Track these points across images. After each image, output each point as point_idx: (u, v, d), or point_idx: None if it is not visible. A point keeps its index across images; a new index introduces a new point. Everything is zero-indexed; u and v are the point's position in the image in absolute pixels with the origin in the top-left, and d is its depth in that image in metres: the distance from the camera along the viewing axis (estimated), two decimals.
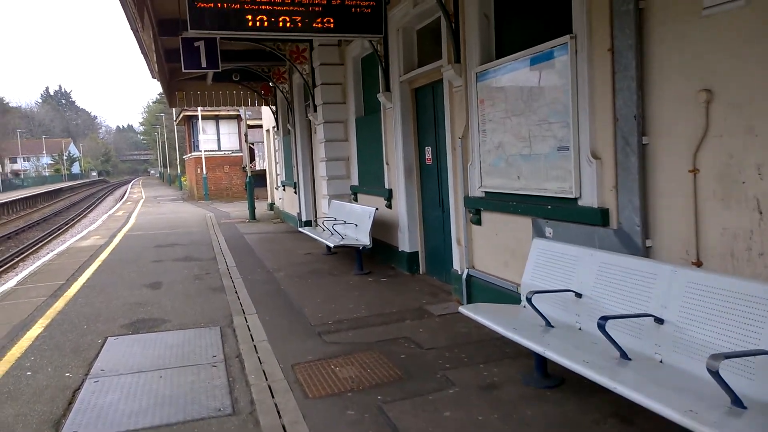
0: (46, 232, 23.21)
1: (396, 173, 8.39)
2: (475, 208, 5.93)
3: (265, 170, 25.34)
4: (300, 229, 10.93)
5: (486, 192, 5.74)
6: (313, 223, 13.43)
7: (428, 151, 7.82)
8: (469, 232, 6.15)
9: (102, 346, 5.53)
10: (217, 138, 30.73)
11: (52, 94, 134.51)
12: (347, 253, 9.68)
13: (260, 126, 22.63)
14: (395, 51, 8.17)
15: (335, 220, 9.87)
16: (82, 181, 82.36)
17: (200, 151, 29.83)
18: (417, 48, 8.03)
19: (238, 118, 30.28)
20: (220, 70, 9.43)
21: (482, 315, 3.96)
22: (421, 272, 8.22)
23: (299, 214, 13.76)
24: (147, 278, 8.81)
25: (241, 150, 30.53)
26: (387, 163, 8.76)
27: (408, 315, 6.19)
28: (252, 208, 17.14)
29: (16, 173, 75.10)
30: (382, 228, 8.82)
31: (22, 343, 5.68)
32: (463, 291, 6.23)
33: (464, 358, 4.74)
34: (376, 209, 8.36)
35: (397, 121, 8.23)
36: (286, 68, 13.52)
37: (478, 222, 5.92)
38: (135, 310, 6.85)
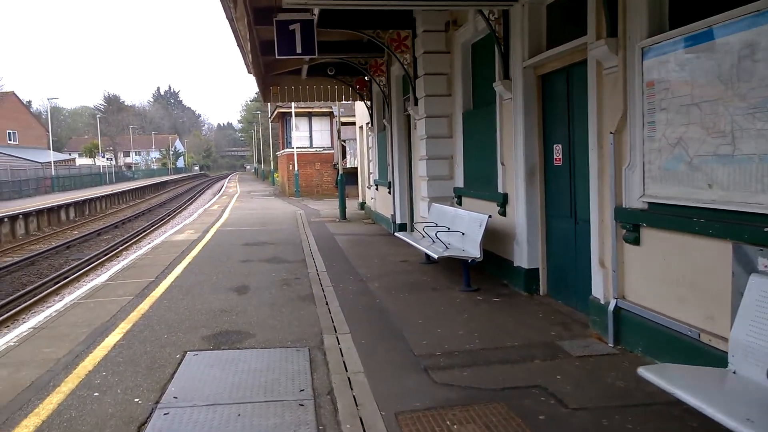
0: (149, 223, 24.11)
1: (513, 175, 7.18)
2: (632, 223, 4.62)
3: (356, 168, 24.80)
4: (396, 234, 9.98)
5: (651, 203, 4.43)
6: (408, 227, 12.46)
7: (557, 149, 6.54)
8: (619, 253, 4.85)
9: (179, 364, 4.83)
10: (309, 135, 30.73)
11: (162, 93, 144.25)
12: (449, 263, 8.57)
13: (353, 123, 22.06)
14: (518, 31, 6.96)
15: (436, 225, 8.81)
16: (185, 175, 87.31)
17: (292, 148, 29.93)
18: (546, 26, 6.76)
19: (330, 115, 30.08)
20: (316, 55, 8.67)
21: (681, 387, 2.72)
22: (541, 293, 6.96)
23: (393, 216, 12.84)
24: (234, 280, 8.21)
25: (332, 147, 30.30)
26: (502, 164, 7.56)
27: (536, 352, 4.99)
28: (343, 208, 16.49)
29: (128, 166, 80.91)
30: (492, 238, 7.64)
31: (98, 352, 5.11)
32: (609, 326, 4.93)
33: (631, 430, 3.50)
34: (489, 217, 7.19)
35: (517, 114, 7.02)
36: (384, 60, 12.65)
37: (636, 241, 4.61)
38: (218, 319, 6.17)
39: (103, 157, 71.71)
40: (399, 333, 5.70)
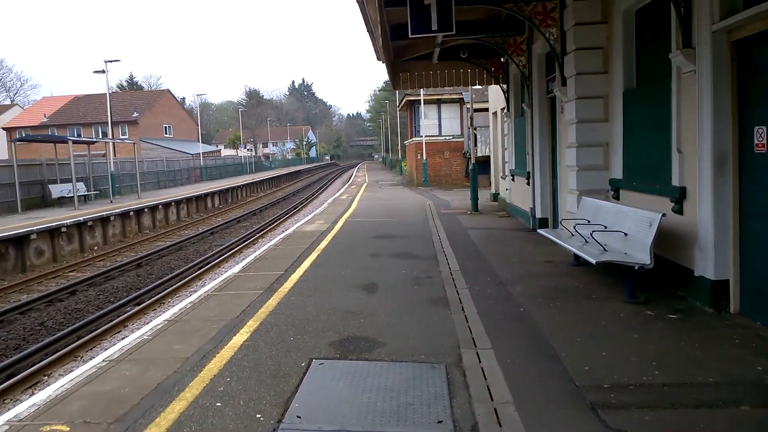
0: (283, 211, 25.08)
1: (697, 165, 5.85)
2: None
3: (487, 157, 23.64)
4: (539, 230, 8.92)
5: None
6: (550, 222, 11.28)
7: (760, 133, 5.15)
8: None
9: (304, 374, 4.39)
10: (438, 123, 30.01)
11: (296, 87, 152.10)
12: (605, 267, 7.39)
13: (485, 109, 20.93)
14: None
15: (588, 223, 7.65)
16: (316, 164, 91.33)
17: (421, 137, 29.43)
18: None
19: (460, 101, 29.10)
20: (453, 31, 7.84)
21: None
22: (731, 311, 5.61)
23: (532, 209, 11.71)
24: (362, 277, 7.77)
25: (462, 135, 29.32)
26: (679, 151, 6.24)
27: (740, 394, 3.85)
28: (475, 199, 15.58)
29: (266, 156, 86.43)
30: (662, 240, 6.33)
31: (224, 353, 4.85)
32: None
33: None
34: (663, 215, 5.94)
35: (703, 90, 5.68)
36: (525, 37, 11.49)
37: None
38: (346, 322, 5.70)
39: (245, 148, 77.24)
40: (552, 353, 4.80)
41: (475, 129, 23.77)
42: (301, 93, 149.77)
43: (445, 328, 5.54)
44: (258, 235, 17.82)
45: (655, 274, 6.45)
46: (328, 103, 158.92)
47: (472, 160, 16.21)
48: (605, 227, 7.17)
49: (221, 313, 6.04)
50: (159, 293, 10.26)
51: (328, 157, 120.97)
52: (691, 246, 6.01)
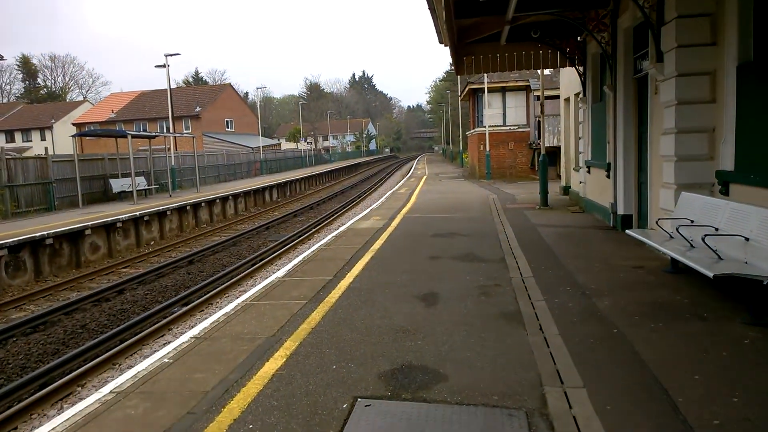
0: (340, 205, 24.48)
1: None
2: None
3: (556, 147, 22.05)
4: (627, 231, 7.65)
5: None
6: (635, 220, 9.90)
7: None
8: None
9: (346, 420, 3.50)
10: (502, 112, 28.46)
11: (357, 79, 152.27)
12: (704, 279, 6.07)
13: (556, 96, 19.37)
14: None
15: (691, 223, 6.37)
16: (376, 157, 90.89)
17: (484, 127, 28.01)
18: None
19: (526, 89, 27.43)
20: None
21: None
22: None
23: (613, 205, 10.35)
24: (419, 285, 6.82)
25: (527, 125, 27.69)
26: None
27: None
28: (545, 193, 14.25)
29: (326, 149, 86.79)
30: None
31: (251, 387, 4.03)
32: None
33: None
34: None
35: None
36: (609, 9, 10.10)
37: None
38: (400, 344, 4.78)
39: (305, 141, 77.71)
40: (665, 396, 3.70)
41: (544, 117, 22.24)
42: (362, 85, 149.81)
43: (522, 355, 4.52)
44: (314, 230, 17.23)
45: None
46: (388, 95, 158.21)
47: (542, 151, 14.85)
48: (716, 229, 5.89)
49: (257, 329, 5.25)
50: (206, 293, 9.74)
51: (387, 150, 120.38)
52: None
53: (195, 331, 5.17)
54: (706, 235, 5.43)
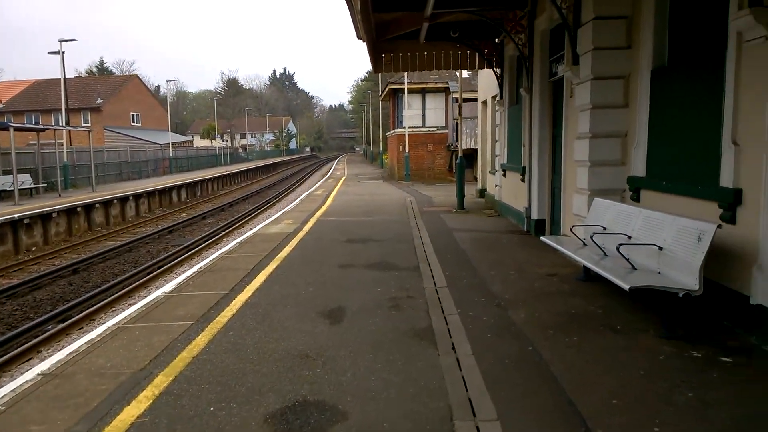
0: (255, 206, 23.36)
1: (762, 163, 4.41)
2: None
3: (473, 150, 22.21)
4: (542, 238, 7.44)
5: None
6: (548, 225, 9.84)
7: None
8: None
9: None
10: (422, 113, 28.43)
11: (278, 76, 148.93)
12: (616, 288, 5.90)
13: (473, 100, 19.42)
14: None
15: (604, 230, 6.21)
16: (296, 156, 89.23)
17: (403, 128, 27.85)
18: None
19: (446, 91, 27.57)
20: None
21: None
22: None
23: (527, 209, 10.26)
24: (326, 298, 6.21)
25: (446, 127, 27.85)
26: (735, 143, 4.79)
27: None
28: (461, 196, 14.09)
29: (243, 147, 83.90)
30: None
31: None
32: None
33: None
34: (719, 227, 4.48)
35: None
36: (526, 11, 9.97)
37: None
38: (296, 374, 4.14)
39: (221, 138, 74.66)
40: (585, 428, 3.32)
41: (462, 119, 22.36)
42: (283, 83, 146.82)
43: (432, 381, 4.03)
44: (223, 233, 16.15)
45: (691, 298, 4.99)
46: (310, 94, 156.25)
47: (459, 153, 14.70)
48: (629, 237, 5.73)
49: (124, 360, 4.40)
50: (87, 309, 8.58)
51: (308, 149, 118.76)
52: (746, 266, 4.58)
53: (44, 366, 4.24)
54: (620, 244, 5.21)
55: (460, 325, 5.30)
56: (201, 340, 4.79)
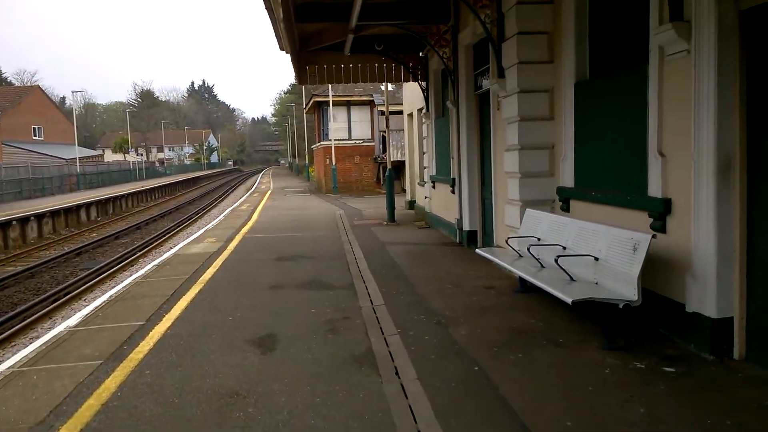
0: (174, 223, 22.16)
1: (690, 171, 4.51)
2: None
3: (401, 161, 22.27)
4: (477, 251, 7.36)
5: None
6: (479, 236, 9.86)
7: None
8: None
9: None
10: (348, 126, 28.26)
11: (196, 88, 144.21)
12: (553, 299, 5.88)
13: (400, 112, 19.45)
14: None
15: (538, 241, 6.21)
16: (218, 170, 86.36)
17: (329, 140, 27.55)
18: None
19: (371, 104, 27.58)
20: None
21: None
22: (736, 357, 4.33)
23: (458, 221, 10.24)
24: (256, 324, 5.77)
25: (372, 139, 27.83)
26: (660, 154, 4.89)
27: None
28: (391, 208, 13.96)
29: (161, 161, 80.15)
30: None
31: None
32: None
33: None
34: (653, 236, 4.52)
35: (702, 75, 4.36)
36: (449, 25, 10.02)
37: None
38: (225, 416, 3.71)
39: (136, 152, 70.84)
40: None
41: (389, 131, 22.36)
42: (202, 95, 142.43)
43: (378, 414, 3.74)
44: (140, 253, 15.09)
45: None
46: (231, 106, 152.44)
47: (388, 166, 14.59)
48: (564, 248, 5.73)
49: (19, 412, 3.76)
50: None
51: (231, 163, 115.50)
52: (680, 274, 4.66)
53: None
54: (558, 256, 5.18)
55: (402, 346, 5.05)
56: (111, 383, 4.22)
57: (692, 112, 4.41)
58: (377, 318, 5.96)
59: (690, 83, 4.43)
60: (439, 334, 5.36)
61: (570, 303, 4.49)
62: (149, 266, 9.37)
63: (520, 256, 6.51)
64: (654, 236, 4.50)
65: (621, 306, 4.54)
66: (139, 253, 15.03)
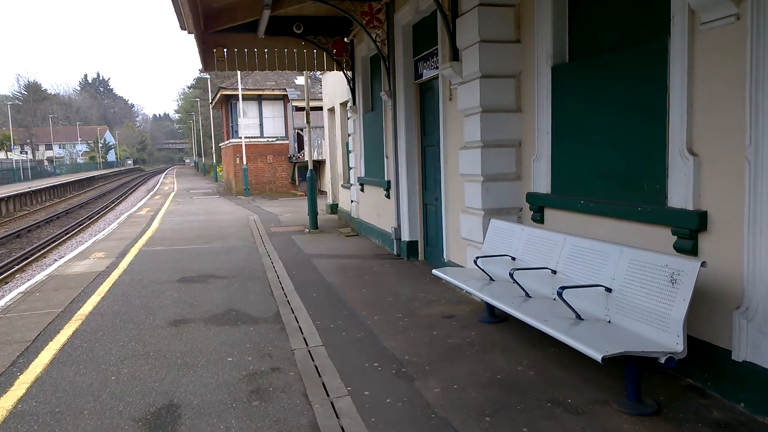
0: (62, 230, 19.28)
1: (744, 177, 3.47)
2: None
3: (320, 161, 20.75)
4: (435, 272, 5.99)
5: None
6: (421, 247, 8.64)
7: None
8: None
9: None
10: (259, 122, 26.20)
11: (90, 81, 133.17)
12: (533, 331, 4.63)
13: (320, 108, 17.90)
14: None
15: (512, 260, 5.06)
16: (116, 170, 79.77)
17: (239, 138, 25.37)
18: None
19: (284, 98, 25.72)
20: None
21: None
22: None
23: (396, 230, 8.95)
24: (149, 388, 4.12)
25: (286, 137, 26.00)
26: (692, 153, 3.82)
27: None
28: (314, 214, 12.42)
29: (50, 160, 72.51)
30: None
31: None
32: None
33: None
34: (702, 264, 3.41)
35: (747, 48, 3.32)
36: (383, 3, 8.70)
37: None
38: None
39: (20, 150, 63.47)
40: None
41: (301, 129, 20.73)
42: (96, 89, 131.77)
43: None
44: (17, 267, 12.54)
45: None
46: (129, 102, 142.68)
47: (309, 166, 13.03)
48: (553, 272, 4.59)
49: None
50: None
51: (130, 162, 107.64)
52: (719, 310, 3.63)
53: None
54: (563, 287, 3.97)
55: (359, 417, 3.65)
56: None
57: (747, 97, 3.36)
58: (317, 368, 4.52)
59: (743, 59, 3.38)
60: (404, 393, 4.00)
61: (600, 360, 3.27)
62: (12, 294, 7.24)
63: (492, 279, 5.31)
64: (704, 264, 3.39)
65: (663, 360, 3.39)
66: (11, 271, 12.44)
